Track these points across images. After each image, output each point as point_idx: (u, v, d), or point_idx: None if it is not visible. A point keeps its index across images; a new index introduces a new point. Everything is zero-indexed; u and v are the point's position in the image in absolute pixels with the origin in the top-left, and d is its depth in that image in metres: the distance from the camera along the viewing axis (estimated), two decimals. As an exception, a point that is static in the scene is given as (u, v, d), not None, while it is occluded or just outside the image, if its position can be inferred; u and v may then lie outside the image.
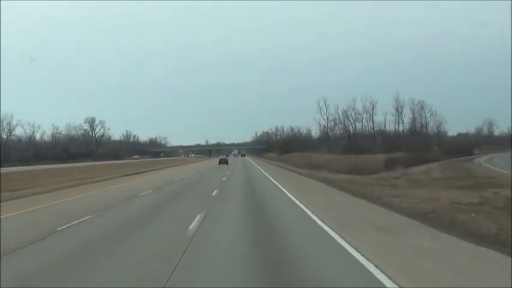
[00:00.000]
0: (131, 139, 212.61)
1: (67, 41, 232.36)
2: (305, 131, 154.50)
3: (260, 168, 57.82)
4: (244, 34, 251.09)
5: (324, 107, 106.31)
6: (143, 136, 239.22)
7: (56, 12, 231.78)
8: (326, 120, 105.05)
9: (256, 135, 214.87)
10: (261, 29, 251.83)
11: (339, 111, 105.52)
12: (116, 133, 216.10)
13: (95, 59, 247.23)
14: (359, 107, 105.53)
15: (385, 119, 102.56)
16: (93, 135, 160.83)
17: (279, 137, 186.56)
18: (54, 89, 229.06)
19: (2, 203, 20.00)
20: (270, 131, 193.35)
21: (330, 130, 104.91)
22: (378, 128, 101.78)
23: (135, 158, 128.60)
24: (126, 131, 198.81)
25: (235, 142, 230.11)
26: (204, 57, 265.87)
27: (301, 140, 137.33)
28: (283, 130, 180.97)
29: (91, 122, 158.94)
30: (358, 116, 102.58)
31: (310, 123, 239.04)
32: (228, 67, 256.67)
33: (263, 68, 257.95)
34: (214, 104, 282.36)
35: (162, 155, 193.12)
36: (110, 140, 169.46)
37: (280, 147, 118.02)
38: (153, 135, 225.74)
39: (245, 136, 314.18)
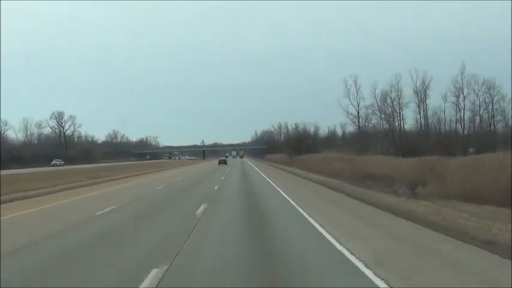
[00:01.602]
0: (119, 139, 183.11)
1: (56, 38, 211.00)
2: (312, 129, 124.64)
3: (291, 200, 24.81)
4: (242, 33, 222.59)
5: (353, 88, 73.04)
6: (135, 136, 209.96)
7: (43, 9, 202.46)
8: (357, 106, 71.66)
9: (256, 134, 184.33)
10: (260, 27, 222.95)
11: (376, 93, 71.32)
12: (103, 133, 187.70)
13: (85, 57, 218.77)
14: (405, 87, 70.81)
15: (444, 105, 68.52)
16: (62, 133, 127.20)
17: (282, 135, 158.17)
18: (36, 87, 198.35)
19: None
20: (272, 129, 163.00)
21: (366, 121, 71.32)
22: (434, 118, 68.45)
23: (54, 165, 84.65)
24: (113, 130, 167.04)
25: (233, 142, 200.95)
26: (200, 56, 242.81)
27: (312, 138, 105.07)
28: (286, 128, 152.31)
29: (58, 117, 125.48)
30: (408, 101, 68.86)
31: (317, 120, 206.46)
32: (226, 66, 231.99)
33: (263, 66, 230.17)
34: (211, 103, 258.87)
35: (148, 157, 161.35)
36: (82, 141, 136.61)
37: (291, 146, 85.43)
38: (144, 136, 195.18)
39: (244, 136, 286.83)
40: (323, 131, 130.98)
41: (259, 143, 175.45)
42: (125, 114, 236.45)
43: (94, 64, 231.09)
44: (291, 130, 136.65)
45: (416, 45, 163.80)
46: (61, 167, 72.87)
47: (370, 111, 69.33)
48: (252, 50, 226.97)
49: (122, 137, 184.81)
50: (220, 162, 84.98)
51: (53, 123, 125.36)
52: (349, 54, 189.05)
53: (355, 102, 70.23)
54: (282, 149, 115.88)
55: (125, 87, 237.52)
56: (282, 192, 23.15)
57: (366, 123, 69.35)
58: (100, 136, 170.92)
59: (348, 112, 70.16)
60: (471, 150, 53.18)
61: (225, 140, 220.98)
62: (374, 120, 69.32)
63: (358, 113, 69.75)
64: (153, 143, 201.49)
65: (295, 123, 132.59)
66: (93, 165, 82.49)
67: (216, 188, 26.05)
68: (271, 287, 6.57)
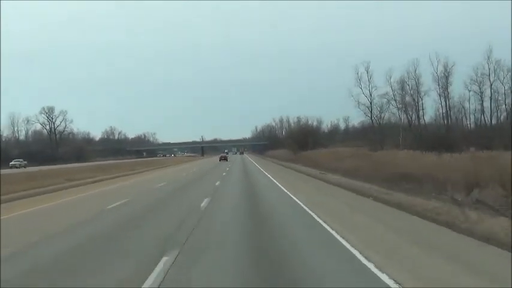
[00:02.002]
0: (116, 136, 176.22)
1: (56, 37, 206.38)
2: (315, 123, 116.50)
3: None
4: (244, 31, 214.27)
5: (365, 75, 64.38)
6: (132, 133, 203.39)
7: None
8: (369, 96, 63.02)
9: (256, 129, 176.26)
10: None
11: (391, 81, 62.55)
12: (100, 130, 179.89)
13: (84, 55, 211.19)
14: (424, 72, 61.51)
15: (469, 93, 59.03)
16: (53, 129, 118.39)
17: (284, 130, 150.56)
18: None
19: None
20: (273, 123, 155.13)
21: (381, 111, 62.39)
22: (457, 108, 59.55)
23: (13, 166, 71.62)
24: (110, 127, 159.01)
25: (233, 138, 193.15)
26: (200, 54, 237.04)
27: (316, 132, 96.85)
28: (288, 122, 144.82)
29: (49, 112, 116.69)
30: (427, 89, 59.98)
31: (321, 114, 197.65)
32: (226, 63, 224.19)
33: (264, 62, 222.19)
34: (211, 99, 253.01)
35: (145, 154, 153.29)
36: (79, 138, 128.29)
37: (296, 141, 77.37)
38: (142, 132, 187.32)
39: (244, 132, 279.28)
40: (326, 125, 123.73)
41: (260, 139, 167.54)
42: (123, 111, 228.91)
43: (93, 62, 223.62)
44: (293, 124, 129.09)
45: (433, 30, 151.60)
46: (24, 169, 61.92)
47: (385, 100, 60.86)
48: (253, 46, 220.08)
49: (119, 134, 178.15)
50: (221, 159, 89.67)
51: (43, 118, 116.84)
52: (357, 42, 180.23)
53: (367, 91, 61.83)
54: (285, 144, 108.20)
55: (123, 84, 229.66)
56: (311, 212, 14.71)
57: (381, 114, 61.01)
58: (97, 133, 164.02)
59: (359, 102, 61.80)
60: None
61: (225, 136, 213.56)
62: (390, 110, 60.89)
63: (370, 103, 61.34)
64: (151, 139, 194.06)
65: (297, 117, 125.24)
66: (77, 164, 74.25)
67: (203, 204, 16.72)
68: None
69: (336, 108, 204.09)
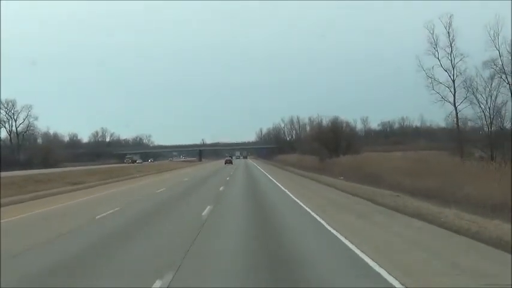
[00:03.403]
0: (107, 139, 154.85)
1: (55, 38, 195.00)
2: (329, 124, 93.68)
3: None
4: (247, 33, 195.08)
5: (446, 36, 37.48)
6: (127, 135, 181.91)
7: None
8: (452, 71, 37.19)
9: (261, 132, 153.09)
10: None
11: (497, 43, 35.43)
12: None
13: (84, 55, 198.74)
14: None
15: None
16: (14, 128, 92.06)
17: (294, 132, 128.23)
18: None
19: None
20: (282, 125, 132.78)
21: (490, 92, 35.68)
22: None
23: None
24: (102, 128, 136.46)
25: (236, 141, 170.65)
26: (202, 54, 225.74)
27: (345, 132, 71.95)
28: (299, 123, 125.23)
29: (8, 107, 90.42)
30: None
31: (337, 113, 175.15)
32: (228, 64, 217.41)
33: (269, 63, 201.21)
34: (212, 101, 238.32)
35: (135, 158, 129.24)
36: (56, 138, 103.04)
37: (324, 143, 52.52)
38: (137, 134, 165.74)
39: (249, 134, 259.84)
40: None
41: (266, 142, 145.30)
42: (121, 112, 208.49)
43: (93, 63, 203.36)
44: (308, 125, 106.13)
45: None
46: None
47: (492, 71, 34.71)
48: (254, 47, 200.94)
49: (111, 136, 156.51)
50: (226, 162, 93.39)
51: (2, 114, 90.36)
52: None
53: (449, 61, 36.47)
54: (296, 148, 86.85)
55: (123, 85, 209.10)
56: None
57: (491, 98, 34.79)
58: (88, 135, 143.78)
59: (432, 79, 36.24)
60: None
61: (228, 140, 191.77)
62: (502, 91, 35.01)
63: (453, 81, 36.00)
64: (145, 141, 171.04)
65: (309, 118, 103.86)
66: (19, 172, 49.45)
67: None
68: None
69: (348, 108, 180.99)
